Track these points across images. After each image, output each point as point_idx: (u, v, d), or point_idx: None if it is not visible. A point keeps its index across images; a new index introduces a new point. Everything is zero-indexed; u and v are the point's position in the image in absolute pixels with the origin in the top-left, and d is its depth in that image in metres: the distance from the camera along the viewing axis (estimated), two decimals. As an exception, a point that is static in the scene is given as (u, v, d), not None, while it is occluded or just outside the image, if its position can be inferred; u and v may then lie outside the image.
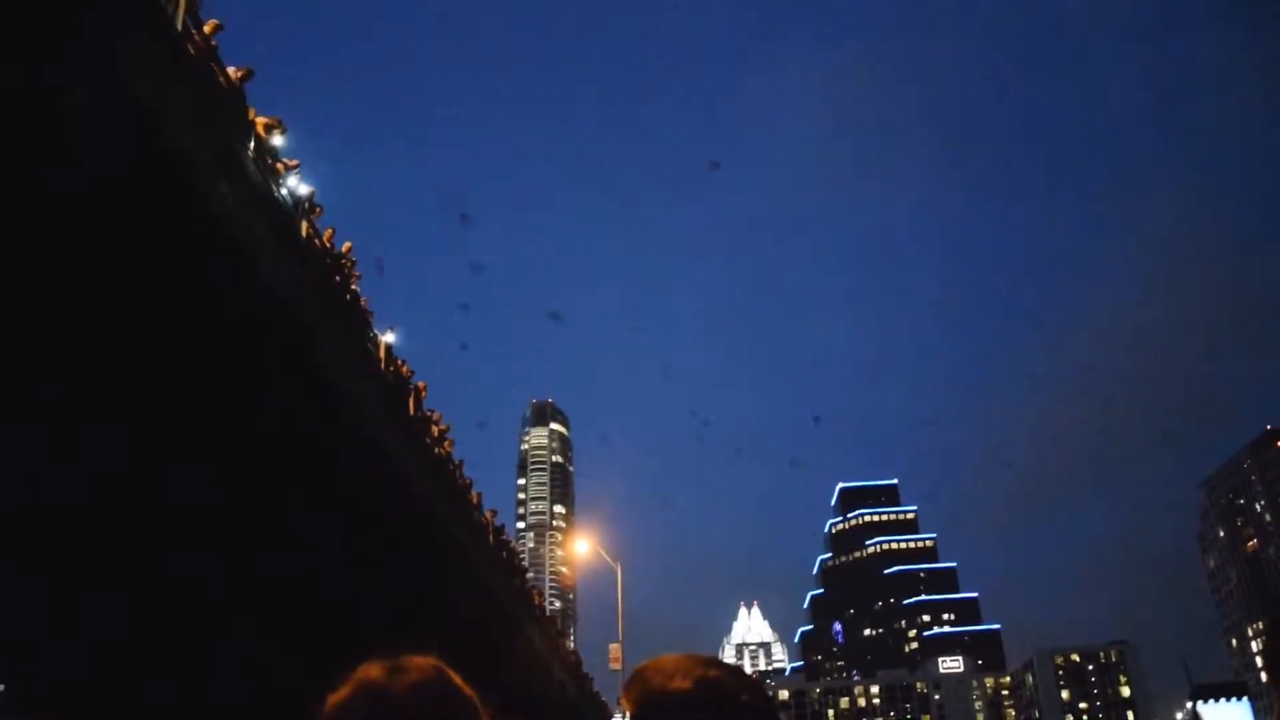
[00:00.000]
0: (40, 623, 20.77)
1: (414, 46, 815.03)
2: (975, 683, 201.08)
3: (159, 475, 15.95)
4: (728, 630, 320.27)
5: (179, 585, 18.74)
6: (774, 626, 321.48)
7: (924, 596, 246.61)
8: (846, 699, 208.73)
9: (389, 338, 20.55)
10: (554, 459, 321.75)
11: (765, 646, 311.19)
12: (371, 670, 1.72)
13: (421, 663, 1.77)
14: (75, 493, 15.83)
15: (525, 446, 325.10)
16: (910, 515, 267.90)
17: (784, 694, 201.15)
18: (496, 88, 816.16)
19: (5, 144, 10.45)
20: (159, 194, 12.13)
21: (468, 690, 1.79)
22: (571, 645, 65.92)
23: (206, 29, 13.99)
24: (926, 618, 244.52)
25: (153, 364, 14.08)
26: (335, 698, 1.70)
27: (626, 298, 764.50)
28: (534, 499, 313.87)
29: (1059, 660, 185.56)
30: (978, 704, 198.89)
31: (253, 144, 15.19)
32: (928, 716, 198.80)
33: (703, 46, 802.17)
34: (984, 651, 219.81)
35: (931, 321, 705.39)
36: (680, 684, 1.70)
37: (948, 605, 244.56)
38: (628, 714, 1.75)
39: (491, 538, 29.48)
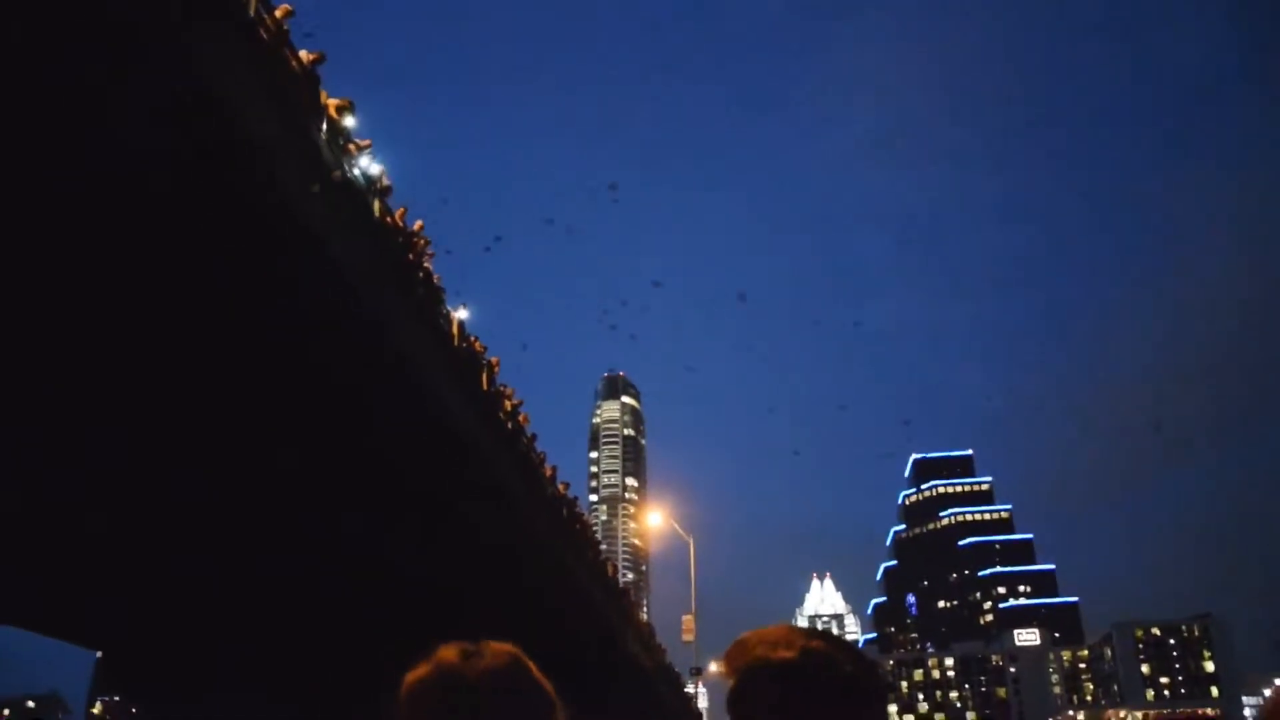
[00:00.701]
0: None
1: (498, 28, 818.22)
2: (1052, 656, 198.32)
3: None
4: (800, 602, 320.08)
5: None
6: (847, 598, 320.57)
7: (999, 568, 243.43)
8: (921, 671, 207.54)
9: (461, 314, 20.78)
10: (626, 432, 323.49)
11: (838, 618, 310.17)
12: (449, 653, 1.75)
13: (498, 648, 1.79)
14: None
15: (597, 420, 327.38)
16: (985, 486, 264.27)
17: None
18: (562, 70, 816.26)
19: (80, 133, 10.75)
20: (232, 179, 12.38)
21: (542, 679, 1.80)
22: (645, 617, 66.31)
23: (278, 13, 14.17)
24: (1002, 590, 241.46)
25: (234, 350, 14.45)
26: (412, 676, 1.74)
27: (702, 273, 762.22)
28: (606, 472, 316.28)
29: (1139, 633, 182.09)
30: (1054, 677, 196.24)
31: (325, 125, 15.38)
32: (1003, 690, 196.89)
33: (766, 21, 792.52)
34: (1061, 624, 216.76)
35: (1007, 293, 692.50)
36: (784, 653, 1.69)
37: (1024, 577, 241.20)
38: (729, 682, 1.74)
39: (565, 510, 29.75)
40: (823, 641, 1.73)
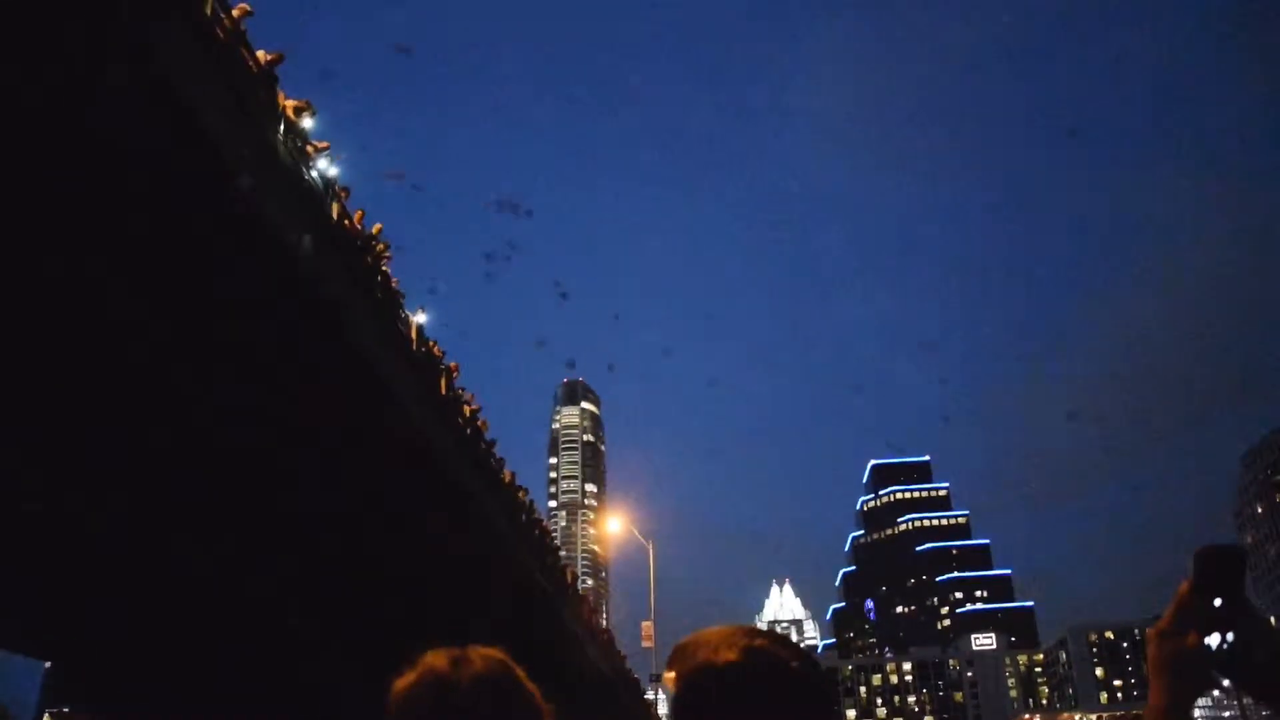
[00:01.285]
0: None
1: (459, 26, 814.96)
2: (1008, 660, 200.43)
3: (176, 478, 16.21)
4: (759, 608, 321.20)
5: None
6: (806, 604, 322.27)
7: (956, 574, 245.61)
8: (879, 676, 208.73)
9: (420, 318, 20.65)
10: (585, 438, 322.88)
11: (797, 624, 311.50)
12: (437, 660, 1.75)
13: (486, 654, 1.80)
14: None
15: (557, 425, 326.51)
16: (943, 492, 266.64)
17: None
18: (525, 69, 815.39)
19: (38, 135, 10.57)
20: (189, 179, 12.21)
21: (530, 685, 1.81)
22: (605, 624, 66.11)
23: (235, 13, 14.02)
24: (959, 595, 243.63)
25: (188, 347, 14.24)
26: (401, 683, 1.73)
27: (660, 277, 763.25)
28: (566, 477, 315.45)
29: (1093, 637, 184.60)
30: (1011, 681, 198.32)
31: (282, 127, 15.23)
32: (960, 694, 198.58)
33: (735, 27, 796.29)
34: (1017, 629, 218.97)
35: (964, 299, 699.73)
36: (726, 655, 1.61)
37: (980, 583, 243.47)
38: (672, 692, 1.66)
39: (524, 516, 29.61)
40: (766, 640, 1.67)
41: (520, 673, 1.81)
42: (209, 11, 13.11)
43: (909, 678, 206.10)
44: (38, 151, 10.71)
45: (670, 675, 1.69)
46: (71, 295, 12.69)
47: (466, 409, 23.50)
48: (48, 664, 29.33)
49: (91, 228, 11.89)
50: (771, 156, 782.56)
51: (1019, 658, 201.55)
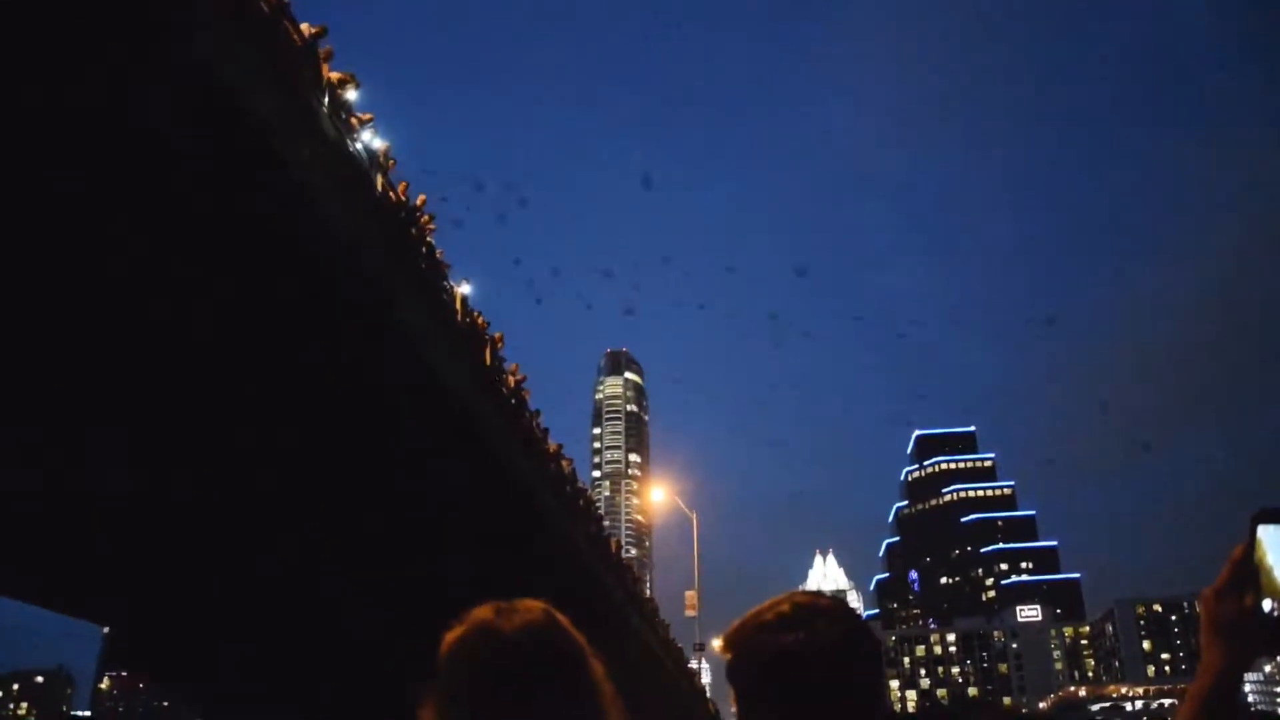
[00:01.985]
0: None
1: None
2: (1054, 632, 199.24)
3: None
4: (803, 578, 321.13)
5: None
6: (849, 574, 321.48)
7: (1002, 545, 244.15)
8: (923, 647, 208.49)
9: (464, 289, 20.73)
10: (628, 408, 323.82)
11: (841, 594, 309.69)
12: (484, 611, 1.87)
13: (530, 604, 1.91)
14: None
15: (600, 396, 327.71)
16: (988, 463, 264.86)
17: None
18: (562, 53, 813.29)
19: (89, 113, 10.67)
20: (236, 152, 12.30)
21: (575, 631, 1.90)
22: (648, 592, 66.45)
23: (279, -14, 14.04)
24: (1004, 566, 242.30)
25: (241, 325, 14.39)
26: (451, 635, 1.84)
27: (710, 251, 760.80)
28: (609, 448, 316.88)
29: (1140, 610, 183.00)
30: (1056, 654, 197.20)
31: (327, 99, 15.27)
32: (1005, 666, 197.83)
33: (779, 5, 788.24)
34: (1063, 601, 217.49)
35: (1007, 270, 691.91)
36: (774, 617, 1.74)
37: (1026, 554, 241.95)
38: (726, 657, 1.77)
39: (568, 487, 29.76)
40: (815, 605, 1.75)
41: (564, 619, 1.91)
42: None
43: (953, 649, 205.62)
44: (84, 138, 10.82)
45: (724, 644, 1.79)
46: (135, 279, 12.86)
47: (511, 379, 23.60)
48: (106, 629, 29.97)
49: (142, 205, 12.02)
50: (815, 133, 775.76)
51: (1065, 630, 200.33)
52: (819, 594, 1.82)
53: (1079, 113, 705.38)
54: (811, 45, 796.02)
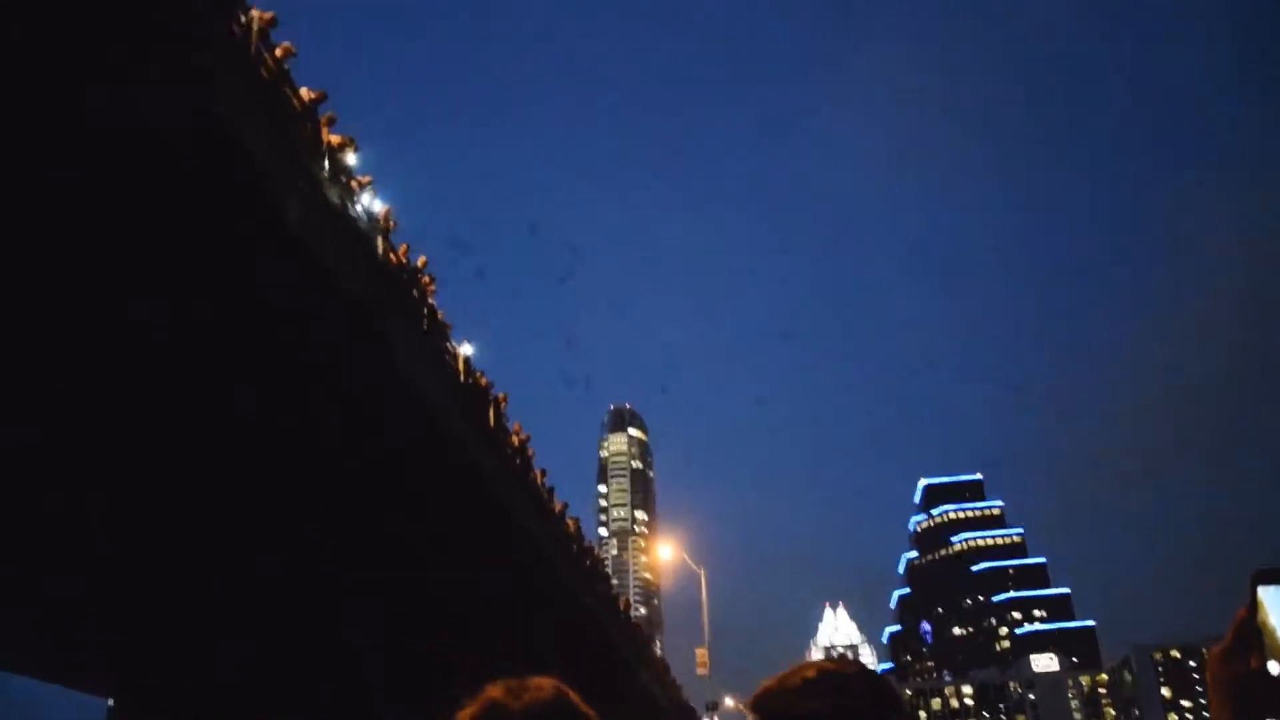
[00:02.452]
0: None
1: (493, 45, 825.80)
2: (1071, 681, 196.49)
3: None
4: (813, 632, 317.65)
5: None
6: (861, 627, 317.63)
7: (1014, 593, 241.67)
8: (938, 700, 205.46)
9: (466, 349, 20.68)
10: (634, 465, 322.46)
11: (853, 648, 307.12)
12: (495, 690, 1.85)
13: (543, 683, 1.88)
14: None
15: (605, 453, 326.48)
16: (996, 511, 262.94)
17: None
18: (565, 84, 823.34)
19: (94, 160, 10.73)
20: (236, 215, 12.34)
21: (587, 709, 1.89)
22: (659, 650, 65.73)
23: (278, 52, 14.19)
24: (1017, 615, 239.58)
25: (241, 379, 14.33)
26: (463, 715, 1.84)
27: (701, 299, 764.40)
28: (615, 505, 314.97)
29: (1158, 656, 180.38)
30: (1074, 703, 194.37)
31: (327, 163, 15.35)
32: (1022, 717, 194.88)
33: (780, 43, 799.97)
34: (1078, 649, 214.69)
35: (1013, 314, 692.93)
36: (813, 706, 1.68)
37: (1039, 601, 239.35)
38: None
39: (575, 546, 29.51)
40: (842, 672, 1.74)
41: (576, 697, 1.89)
42: (253, 51, 13.28)
43: (969, 701, 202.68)
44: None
45: (751, 717, 1.75)
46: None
47: (515, 439, 23.48)
48: (111, 701, 29.57)
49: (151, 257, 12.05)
50: (808, 178, 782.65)
51: (1082, 679, 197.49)
52: (846, 660, 1.82)
53: (1080, 153, 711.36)
54: (816, 92, 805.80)
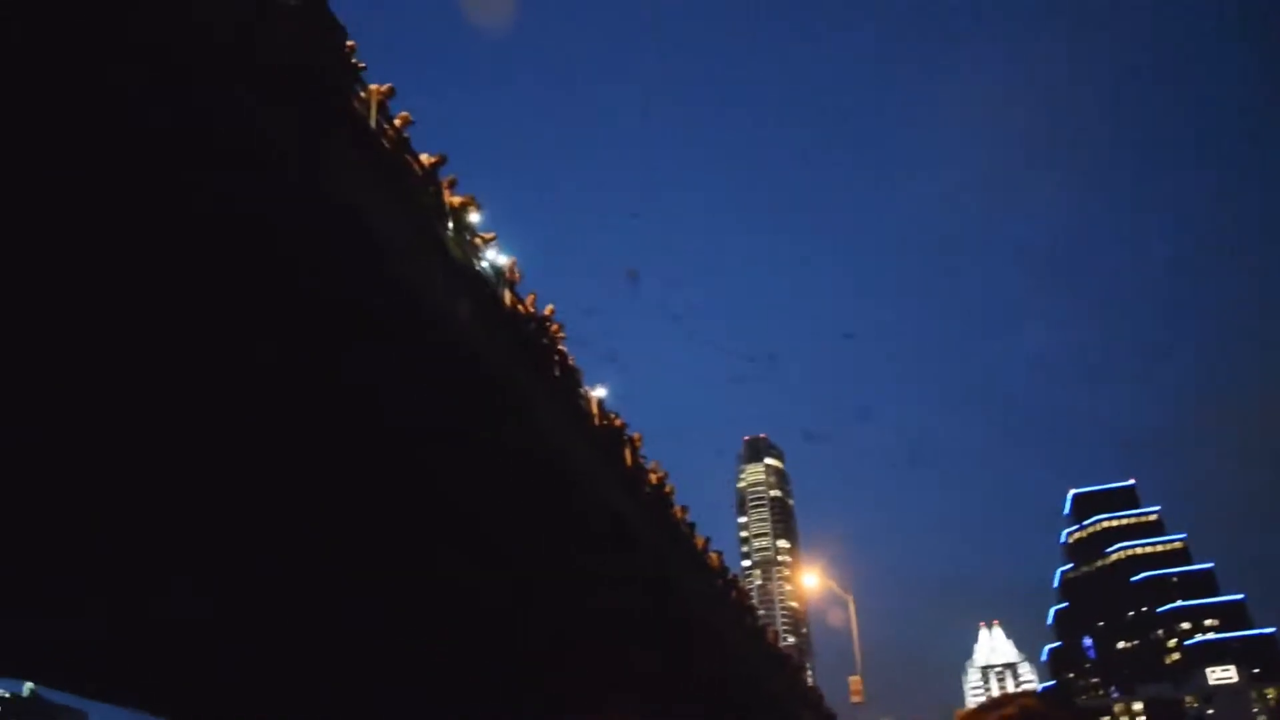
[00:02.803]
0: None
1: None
2: (1255, 694, 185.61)
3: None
4: (968, 653, 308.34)
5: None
6: (1018, 646, 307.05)
7: (1180, 603, 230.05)
8: (1108, 718, 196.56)
9: (599, 392, 20.88)
10: (772, 494, 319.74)
11: (1011, 667, 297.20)
12: None
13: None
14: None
15: (742, 484, 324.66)
16: (1153, 517, 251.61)
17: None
18: (673, 121, 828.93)
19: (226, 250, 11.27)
20: (366, 282, 12.79)
21: None
22: (810, 679, 64.69)
23: (397, 122, 14.68)
24: (1186, 625, 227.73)
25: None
26: None
27: (824, 325, 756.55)
28: (756, 535, 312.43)
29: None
30: (1260, 718, 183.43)
31: (451, 224, 15.78)
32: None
33: (861, 59, 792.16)
34: (1259, 659, 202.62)
35: (1144, 313, 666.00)
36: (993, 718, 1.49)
37: (1209, 610, 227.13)
38: None
39: (720, 580, 29.36)
40: (1043, 713, 1.50)
41: None
42: (374, 124, 13.79)
43: (1141, 718, 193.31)
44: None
45: None
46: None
47: (653, 476, 23.54)
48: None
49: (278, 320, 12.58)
50: (919, 201, 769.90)
51: (1266, 691, 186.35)
52: (1048, 697, 1.55)
53: (1186, 150, 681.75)
54: (910, 109, 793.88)
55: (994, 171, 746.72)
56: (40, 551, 16.00)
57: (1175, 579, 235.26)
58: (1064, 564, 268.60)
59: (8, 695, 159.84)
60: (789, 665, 46.88)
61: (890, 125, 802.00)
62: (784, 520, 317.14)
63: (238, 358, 12.68)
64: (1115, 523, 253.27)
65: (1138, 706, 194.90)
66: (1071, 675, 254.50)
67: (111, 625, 18.70)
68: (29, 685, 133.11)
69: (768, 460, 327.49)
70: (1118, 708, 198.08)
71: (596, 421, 20.25)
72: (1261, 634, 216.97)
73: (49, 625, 18.55)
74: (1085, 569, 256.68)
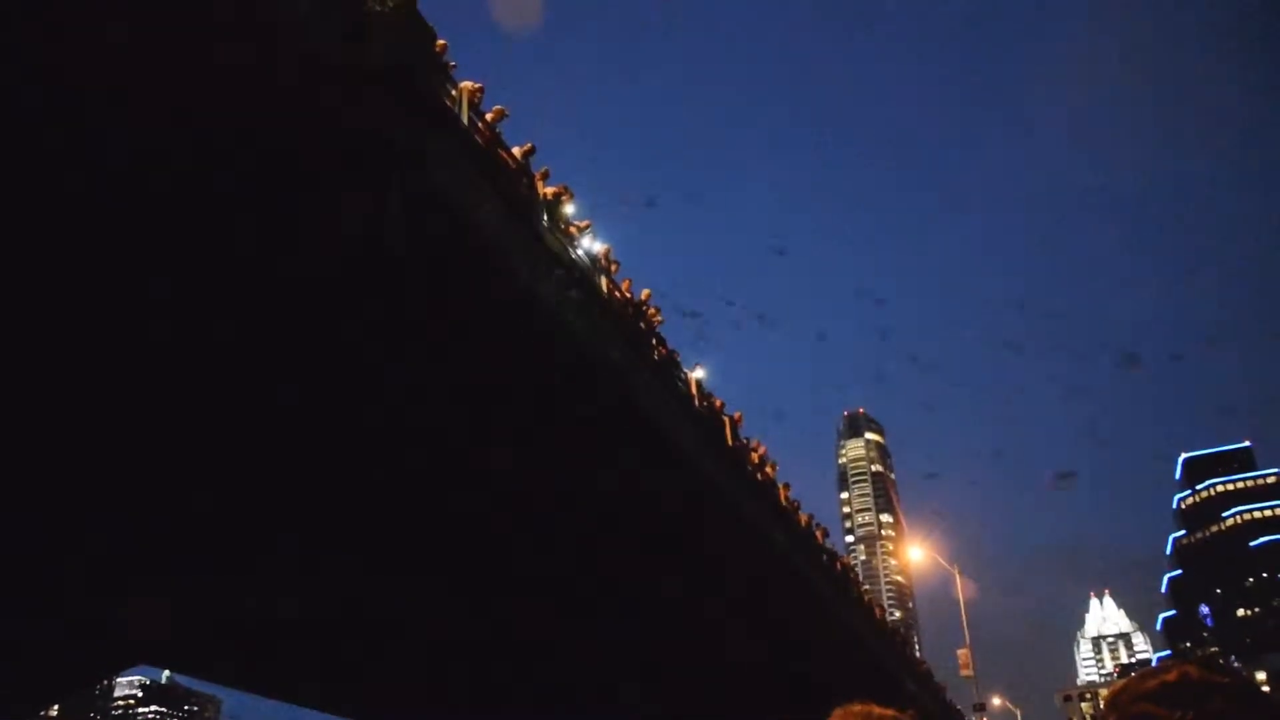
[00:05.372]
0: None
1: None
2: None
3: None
4: (1080, 624, 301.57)
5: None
6: (1130, 615, 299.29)
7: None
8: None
9: (698, 373, 21.02)
10: (873, 468, 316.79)
11: (1124, 637, 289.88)
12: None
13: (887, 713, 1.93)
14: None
15: (843, 459, 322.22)
16: (1272, 479, 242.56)
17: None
18: (790, 93, 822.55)
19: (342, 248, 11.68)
20: (472, 276, 13.12)
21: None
22: (918, 654, 64.10)
23: (490, 117, 14.97)
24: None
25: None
26: None
27: (930, 290, 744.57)
28: (859, 510, 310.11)
29: None
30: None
31: (546, 215, 16.02)
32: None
33: (974, 37, 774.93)
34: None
35: (1248, 267, 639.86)
36: (1152, 684, 1.60)
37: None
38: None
39: (825, 556, 29.32)
40: (1208, 680, 1.56)
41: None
42: (466, 121, 14.08)
43: (1265, 688, 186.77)
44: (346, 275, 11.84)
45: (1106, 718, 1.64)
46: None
47: (754, 455, 23.61)
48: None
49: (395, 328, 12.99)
50: (1030, 160, 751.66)
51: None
52: (1212, 664, 1.62)
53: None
54: (1010, 64, 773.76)
55: (1090, 126, 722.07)
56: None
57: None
58: (1176, 530, 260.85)
59: (148, 682, 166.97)
60: (897, 640, 46.58)
61: (993, 83, 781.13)
62: (885, 495, 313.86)
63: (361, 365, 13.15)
64: (1231, 486, 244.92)
65: (1261, 676, 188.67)
66: (1188, 644, 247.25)
67: (250, 614, 19.51)
68: (167, 673, 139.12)
69: (868, 435, 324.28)
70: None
71: (697, 403, 20.39)
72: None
73: (184, 614, 19.30)
74: (1199, 535, 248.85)
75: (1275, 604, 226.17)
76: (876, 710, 1.91)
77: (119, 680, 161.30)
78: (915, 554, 46.66)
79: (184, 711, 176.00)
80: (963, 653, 40.37)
